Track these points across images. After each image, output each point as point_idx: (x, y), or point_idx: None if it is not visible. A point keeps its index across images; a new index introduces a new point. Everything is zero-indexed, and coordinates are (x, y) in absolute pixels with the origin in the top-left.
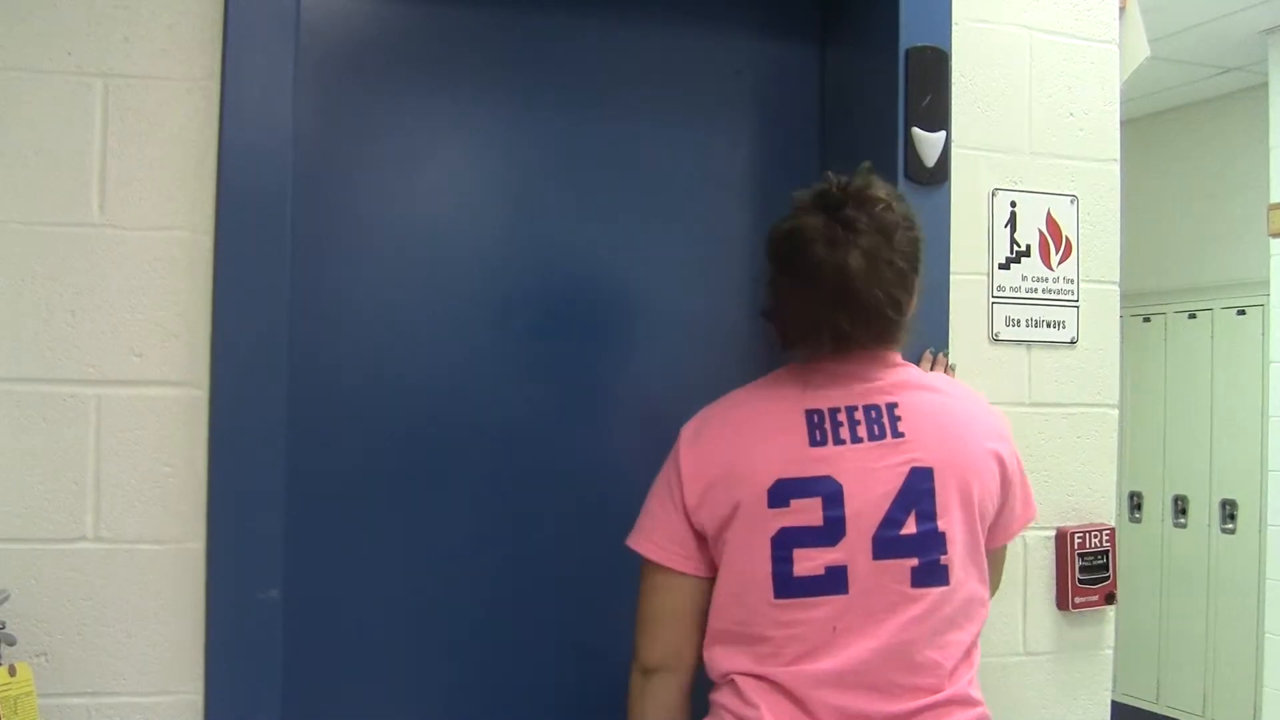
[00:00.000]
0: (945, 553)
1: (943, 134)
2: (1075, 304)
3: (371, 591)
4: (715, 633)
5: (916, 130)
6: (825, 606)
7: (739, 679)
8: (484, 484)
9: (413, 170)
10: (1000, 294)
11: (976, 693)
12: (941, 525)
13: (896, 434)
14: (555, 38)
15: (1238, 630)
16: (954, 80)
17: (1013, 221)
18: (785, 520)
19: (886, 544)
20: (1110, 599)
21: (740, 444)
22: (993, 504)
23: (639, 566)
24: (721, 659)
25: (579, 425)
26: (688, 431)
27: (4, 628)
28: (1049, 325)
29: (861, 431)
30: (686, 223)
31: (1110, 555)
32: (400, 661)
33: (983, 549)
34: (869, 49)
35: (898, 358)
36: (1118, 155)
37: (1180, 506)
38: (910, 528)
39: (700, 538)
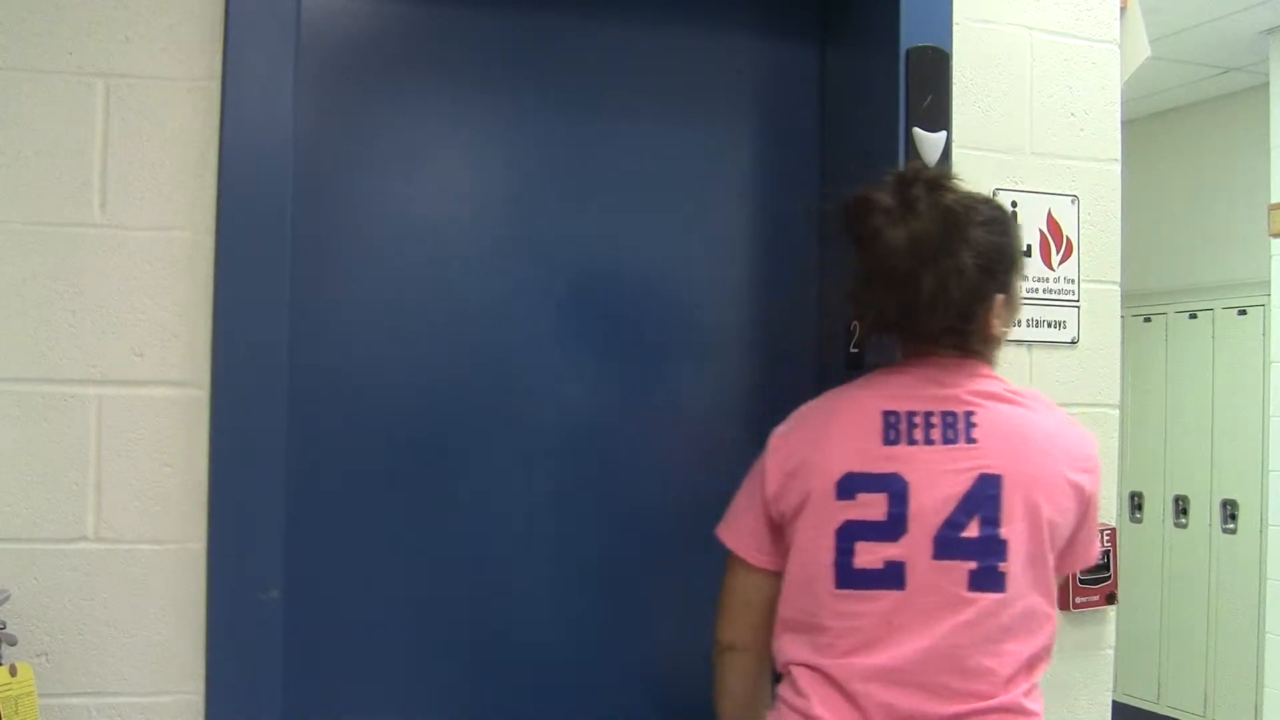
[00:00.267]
0: (1005, 559)
1: (943, 134)
2: (1076, 304)
3: (372, 591)
4: (783, 621)
5: (917, 130)
6: (882, 600)
7: (795, 669)
8: (484, 483)
9: (413, 170)
10: None
11: (1032, 704)
12: (1004, 532)
13: (969, 440)
14: (555, 38)
15: (1238, 630)
16: (955, 80)
17: None
18: (850, 513)
19: (947, 544)
20: (1111, 599)
21: (818, 438)
22: (1066, 528)
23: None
24: (785, 647)
25: (579, 424)
26: (780, 428)
27: (5, 628)
28: (1050, 325)
29: (935, 435)
30: (687, 223)
31: (1111, 555)
32: (400, 661)
33: (1050, 566)
34: (870, 49)
35: (986, 369)
36: (1118, 155)
37: (1181, 507)
38: (972, 531)
39: (777, 530)
